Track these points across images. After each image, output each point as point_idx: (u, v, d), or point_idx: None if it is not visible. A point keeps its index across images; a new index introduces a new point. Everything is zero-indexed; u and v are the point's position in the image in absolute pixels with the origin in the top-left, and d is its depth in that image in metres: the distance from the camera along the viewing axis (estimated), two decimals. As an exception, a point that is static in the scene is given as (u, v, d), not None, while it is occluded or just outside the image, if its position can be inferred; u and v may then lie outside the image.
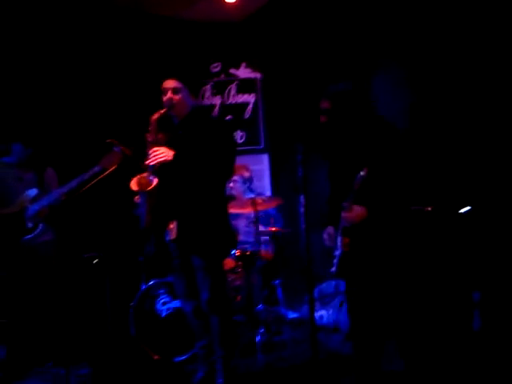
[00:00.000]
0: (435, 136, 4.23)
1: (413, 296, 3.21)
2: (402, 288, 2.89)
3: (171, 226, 3.07)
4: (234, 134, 5.36)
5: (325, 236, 2.96)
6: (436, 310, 3.36)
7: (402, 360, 3.04)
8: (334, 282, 4.37)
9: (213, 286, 3.05)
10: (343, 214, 2.74)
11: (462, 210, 3.66)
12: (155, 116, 3.04)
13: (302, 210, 2.81)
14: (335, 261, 2.85)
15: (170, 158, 2.93)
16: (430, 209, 3.69)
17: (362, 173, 2.63)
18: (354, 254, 2.79)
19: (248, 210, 4.36)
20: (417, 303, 3.29)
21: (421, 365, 2.98)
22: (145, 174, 2.95)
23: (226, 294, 3.34)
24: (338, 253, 2.83)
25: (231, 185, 4.59)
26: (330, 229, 2.93)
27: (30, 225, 3.69)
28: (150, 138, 3.02)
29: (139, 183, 2.95)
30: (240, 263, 4.21)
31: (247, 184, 4.66)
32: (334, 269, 2.86)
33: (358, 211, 2.70)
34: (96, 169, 3.45)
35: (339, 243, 2.83)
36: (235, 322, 4.07)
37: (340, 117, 2.78)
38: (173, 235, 3.06)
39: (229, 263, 4.15)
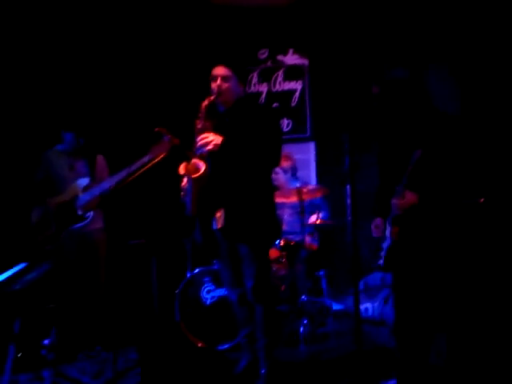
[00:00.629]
0: (486, 126, 4.09)
1: (464, 291, 3.11)
2: (452, 283, 2.81)
3: (218, 214, 3.07)
4: (281, 121, 5.31)
5: (372, 227, 2.91)
6: (489, 308, 3.24)
7: (447, 356, 2.96)
8: (380, 275, 4.31)
9: (258, 274, 3.05)
10: (394, 200, 2.69)
11: None
12: (205, 103, 3.02)
13: (349, 200, 2.76)
14: (383, 253, 2.80)
15: (218, 146, 2.91)
16: (481, 200, 3.56)
17: (417, 154, 2.58)
18: (403, 244, 2.73)
19: (293, 200, 4.33)
20: (468, 299, 3.19)
21: (469, 362, 2.90)
22: (194, 161, 2.94)
23: (271, 283, 3.32)
24: (386, 245, 2.78)
25: (273, 176, 4.55)
26: (378, 220, 2.88)
27: (80, 213, 3.78)
28: (199, 124, 3.01)
29: (187, 169, 2.94)
30: (284, 253, 4.20)
31: (289, 173, 4.61)
32: (381, 261, 2.81)
33: (409, 197, 2.65)
34: (145, 159, 3.48)
35: (388, 234, 2.77)
36: (279, 312, 4.07)
37: (390, 103, 2.72)
38: (220, 224, 3.05)
39: (273, 253, 4.14)
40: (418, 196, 2.65)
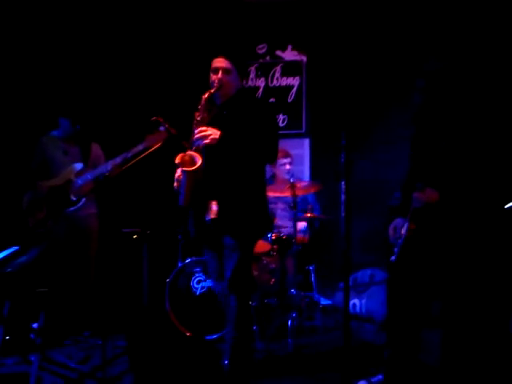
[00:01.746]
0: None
1: (468, 293, 3.08)
2: (459, 287, 2.80)
3: (211, 205, 3.06)
4: (277, 116, 5.34)
5: (390, 231, 2.91)
6: (491, 313, 3.20)
7: (441, 354, 2.95)
8: (369, 272, 4.34)
9: (237, 265, 3.00)
10: (415, 194, 2.71)
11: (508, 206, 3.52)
12: (206, 95, 3.01)
13: (343, 196, 2.77)
14: (396, 249, 2.81)
15: (216, 140, 2.91)
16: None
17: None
18: (416, 242, 2.74)
19: (286, 194, 4.35)
20: (472, 302, 3.15)
21: (462, 363, 2.89)
22: (191, 153, 2.93)
23: (250, 277, 3.24)
24: (401, 241, 2.79)
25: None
26: (399, 221, 2.88)
27: (73, 198, 3.79)
28: (198, 116, 3.00)
29: (183, 160, 2.93)
30: (275, 247, 4.21)
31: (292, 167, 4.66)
32: (393, 257, 2.81)
33: (430, 193, 2.68)
34: (140, 146, 3.49)
35: (404, 231, 2.78)
36: (268, 305, 4.10)
37: (435, 96, 2.74)
38: (213, 214, 3.05)
39: (264, 246, 4.16)
40: (438, 194, 2.66)
